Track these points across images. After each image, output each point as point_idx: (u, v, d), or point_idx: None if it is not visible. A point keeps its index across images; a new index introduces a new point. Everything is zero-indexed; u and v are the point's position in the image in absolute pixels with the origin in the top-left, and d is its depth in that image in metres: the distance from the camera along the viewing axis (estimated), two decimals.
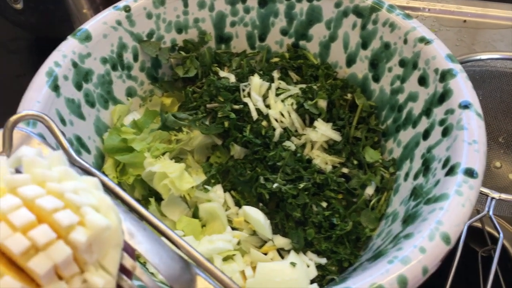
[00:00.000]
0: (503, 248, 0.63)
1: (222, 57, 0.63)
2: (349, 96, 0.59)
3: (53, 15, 0.82)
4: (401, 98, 0.55)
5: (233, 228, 0.53)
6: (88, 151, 0.53)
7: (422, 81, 0.51)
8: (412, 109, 0.53)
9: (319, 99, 0.57)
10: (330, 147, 0.57)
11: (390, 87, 0.56)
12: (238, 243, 0.52)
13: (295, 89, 0.58)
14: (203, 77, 0.61)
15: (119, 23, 0.56)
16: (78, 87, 0.53)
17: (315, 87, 0.58)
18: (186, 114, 0.57)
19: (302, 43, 0.63)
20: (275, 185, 0.52)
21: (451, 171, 0.42)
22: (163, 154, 0.55)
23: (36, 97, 0.47)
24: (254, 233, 0.53)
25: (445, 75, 0.49)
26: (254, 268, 0.51)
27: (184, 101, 0.61)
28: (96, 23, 0.55)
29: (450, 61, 0.49)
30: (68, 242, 0.22)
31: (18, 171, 0.27)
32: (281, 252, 0.53)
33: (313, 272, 0.50)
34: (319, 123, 0.56)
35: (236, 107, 0.56)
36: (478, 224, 0.65)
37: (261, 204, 0.54)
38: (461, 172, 0.41)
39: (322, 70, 0.61)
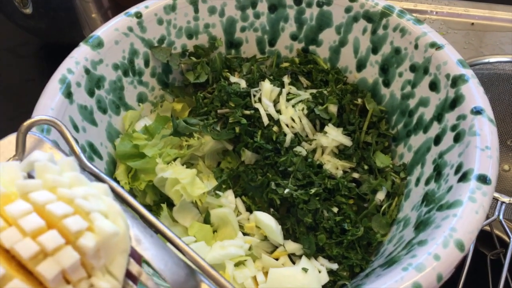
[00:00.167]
0: None
1: (232, 63, 0.63)
2: (359, 101, 0.59)
3: (62, 19, 0.82)
4: (411, 103, 0.55)
5: (244, 234, 0.53)
6: (100, 157, 0.53)
7: (433, 86, 0.52)
8: (423, 114, 0.53)
9: (329, 104, 0.57)
10: (341, 152, 0.57)
11: (400, 92, 0.56)
12: (250, 249, 0.52)
13: (305, 94, 0.58)
14: (213, 82, 0.62)
15: (130, 29, 0.56)
16: (91, 93, 0.53)
17: (325, 92, 0.58)
18: (197, 120, 0.57)
19: (312, 48, 0.63)
20: (287, 190, 0.52)
21: (464, 177, 0.42)
22: (175, 159, 0.55)
23: (49, 104, 0.48)
24: (265, 238, 0.53)
25: (456, 81, 0.49)
26: (265, 274, 0.51)
27: (195, 107, 0.61)
28: (108, 30, 0.55)
29: (462, 66, 0.49)
30: (77, 247, 0.22)
31: (30, 175, 0.27)
32: (292, 258, 0.53)
33: (325, 278, 0.50)
34: (329, 128, 0.56)
35: (247, 112, 0.56)
36: (487, 228, 0.65)
37: (272, 210, 0.54)
38: (474, 178, 0.41)
39: (332, 75, 0.61)
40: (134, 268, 0.26)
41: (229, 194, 0.55)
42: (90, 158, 0.51)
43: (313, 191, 0.52)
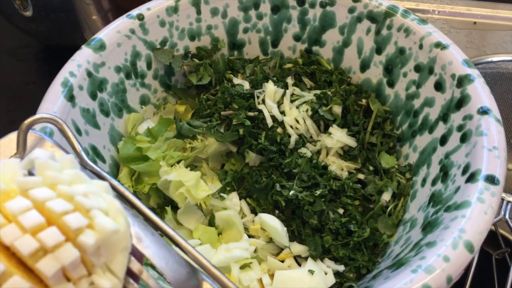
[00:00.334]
0: None
1: (235, 64, 0.63)
2: (363, 101, 0.58)
3: (62, 22, 0.82)
4: (416, 103, 0.54)
5: (250, 236, 0.53)
6: (103, 160, 0.53)
7: (439, 86, 0.51)
8: (428, 114, 0.52)
9: (333, 105, 0.57)
10: (346, 153, 0.57)
11: (405, 92, 0.56)
12: (255, 251, 0.52)
13: (309, 95, 0.58)
14: (216, 84, 0.61)
15: (132, 31, 0.56)
16: (93, 96, 0.53)
17: (329, 93, 0.58)
18: (200, 122, 0.57)
19: (315, 48, 0.63)
20: (292, 192, 0.52)
21: (471, 178, 0.42)
22: (178, 162, 0.55)
23: (52, 107, 0.47)
24: (270, 240, 0.53)
25: (462, 81, 0.48)
26: (271, 276, 0.50)
27: (198, 109, 0.61)
28: (110, 32, 0.55)
29: (467, 66, 0.49)
30: (77, 244, 0.22)
31: (30, 173, 0.27)
32: (298, 260, 0.52)
33: (331, 280, 0.50)
34: (334, 129, 0.56)
35: (251, 114, 0.56)
36: (492, 227, 0.64)
37: (277, 211, 0.54)
38: (482, 179, 0.41)
39: (336, 76, 0.61)
40: (135, 266, 0.26)
41: (234, 196, 0.55)
42: (93, 162, 0.50)
43: (318, 192, 0.52)
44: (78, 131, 0.50)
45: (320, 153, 0.56)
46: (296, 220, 0.52)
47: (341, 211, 0.52)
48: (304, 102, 0.57)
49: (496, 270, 0.64)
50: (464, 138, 0.46)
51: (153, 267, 0.36)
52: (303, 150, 0.55)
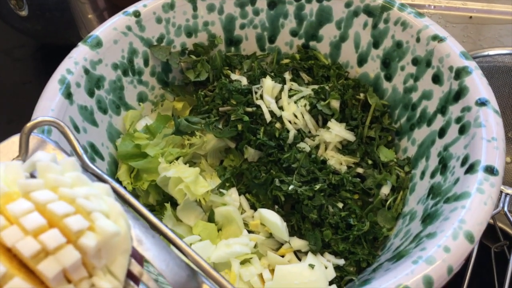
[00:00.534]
0: None
1: (232, 60, 0.63)
2: (361, 95, 0.59)
3: (58, 21, 0.82)
4: (414, 96, 0.54)
5: (249, 231, 0.53)
6: (102, 157, 0.53)
7: (436, 79, 0.51)
8: (426, 107, 0.53)
9: (331, 99, 0.57)
10: (344, 148, 0.57)
11: (403, 86, 0.56)
12: (255, 246, 0.52)
13: (307, 90, 0.58)
14: (214, 80, 0.61)
15: (129, 28, 0.56)
16: (91, 94, 0.52)
17: (327, 87, 0.58)
18: (199, 118, 0.57)
19: (312, 43, 0.63)
20: (291, 187, 0.51)
21: (471, 169, 0.42)
22: (177, 158, 0.55)
23: (49, 105, 0.47)
24: (270, 235, 0.53)
25: (460, 73, 0.48)
26: (272, 271, 0.50)
27: (196, 105, 0.61)
28: (107, 29, 0.55)
29: (465, 58, 0.49)
30: (78, 246, 0.22)
31: (32, 175, 0.27)
32: (298, 254, 0.52)
33: (331, 274, 0.50)
34: (332, 124, 0.56)
35: (249, 109, 0.56)
36: (490, 220, 0.65)
37: (276, 207, 0.54)
38: (482, 169, 0.41)
39: (334, 71, 0.61)
40: (136, 268, 0.26)
41: (233, 192, 0.55)
42: (91, 159, 0.51)
43: (317, 187, 0.52)
44: (76, 129, 0.49)
45: (319, 148, 0.56)
46: (296, 215, 0.52)
47: (340, 205, 0.52)
48: (302, 97, 0.57)
49: (495, 263, 0.65)
50: (462, 130, 0.46)
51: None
52: (302, 145, 0.55)
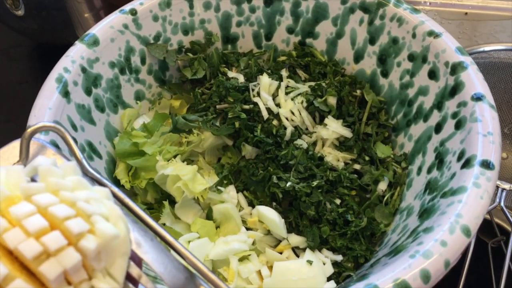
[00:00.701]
0: None
1: (229, 58, 0.63)
2: (358, 92, 0.59)
3: (54, 20, 0.82)
4: (411, 92, 0.55)
5: (248, 228, 0.53)
6: (99, 156, 0.53)
7: (432, 74, 0.52)
8: (422, 103, 0.53)
9: (328, 96, 0.57)
10: (341, 144, 0.57)
11: (399, 82, 0.56)
12: (253, 243, 0.52)
13: (304, 87, 0.58)
14: (211, 78, 0.61)
15: (126, 26, 0.56)
16: (88, 92, 0.52)
17: (324, 84, 0.58)
18: (196, 116, 0.57)
19: (308, 41, 0.63)
20: (289, 183, 0.52)
21: (467, 164, 0.42)
22: (175, 156, 0.55)
23: (47, 104, 0.47)
24: (268, 232, 0.53)
25: (456, 68, 0.49)
26: (270, 268, 0.51)
27: (193, 103, 0.61)
28: (103, 28, 0.55)
29: (460, 53, 0.49)
30: (78, 249, 0.23)
31: (33, 179, 0.28)
32: (296, 251, 0.53)
33: (330, 270, 0.50)
34: (329, 120, 0.56)
35: (246, 107, 0.56)
36: (487, 216, 0.65)
37: (274, 203, 0.54)
38: (478, 164, 0.41)
39: (330, 67, 0.61)
40: (134, 271, 0.27)
41: (231, 189, 0.55)
42: (89, 158, 0.51)
43: (315, 183, 0.52)
44: (74, 127, 0.50)
45: (316, 145, 0.57)
46: (294, 212, 0.53)
47: (338, 201, 0.53)
48: (299, 94, 0.58)
49: (492, 258, 0.65)
50: (458, 125, 0.46)
51: None
52: (299, 142, 0.55)
